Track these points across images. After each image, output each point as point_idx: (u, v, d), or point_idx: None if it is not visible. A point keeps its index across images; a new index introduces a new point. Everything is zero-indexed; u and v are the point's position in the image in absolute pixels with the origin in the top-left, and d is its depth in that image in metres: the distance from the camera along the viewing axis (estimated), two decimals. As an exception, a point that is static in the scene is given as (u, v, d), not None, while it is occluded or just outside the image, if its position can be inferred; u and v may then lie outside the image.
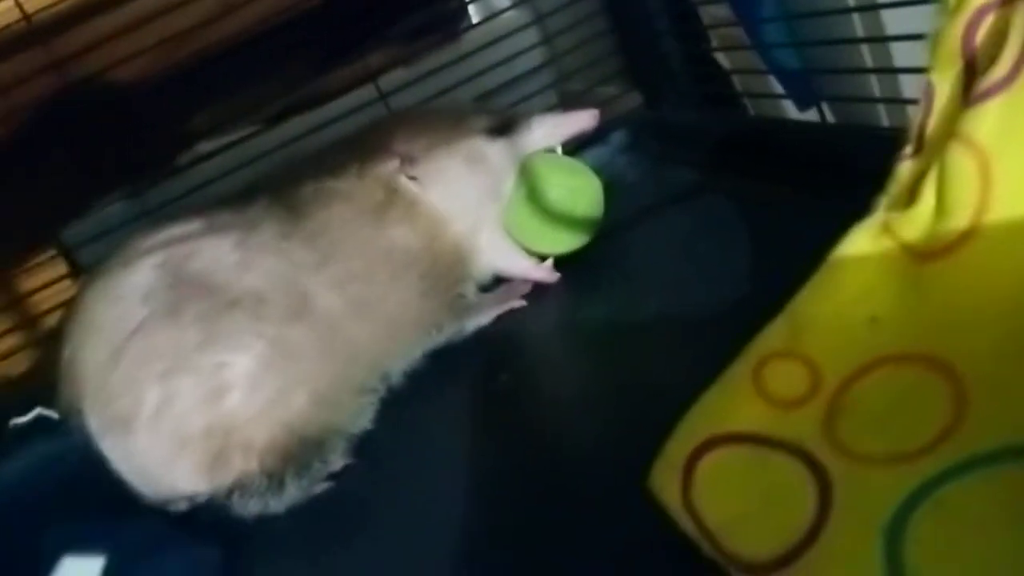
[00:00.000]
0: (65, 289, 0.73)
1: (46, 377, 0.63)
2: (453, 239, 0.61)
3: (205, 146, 0.83)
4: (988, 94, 0.24)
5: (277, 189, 0.58)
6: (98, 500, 0.57)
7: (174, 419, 0.48)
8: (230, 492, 0.48)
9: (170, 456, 0.48)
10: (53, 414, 0.68)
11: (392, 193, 0.59)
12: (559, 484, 0.43)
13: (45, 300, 0.74)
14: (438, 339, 0.60)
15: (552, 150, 0.65)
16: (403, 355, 0.57)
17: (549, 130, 0.65)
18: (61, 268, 0.76)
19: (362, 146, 0.61)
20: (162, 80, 0.83)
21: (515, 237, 0.64)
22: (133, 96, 0.83)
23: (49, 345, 0.72)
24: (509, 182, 0.64)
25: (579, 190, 0.63)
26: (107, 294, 0.51)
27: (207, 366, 0.48)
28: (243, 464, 0.48)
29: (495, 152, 0.63)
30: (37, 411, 0.68)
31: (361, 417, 0.53)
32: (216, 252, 0.52)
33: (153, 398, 0.47)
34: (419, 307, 0.58)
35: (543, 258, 0.65)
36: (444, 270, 0.60)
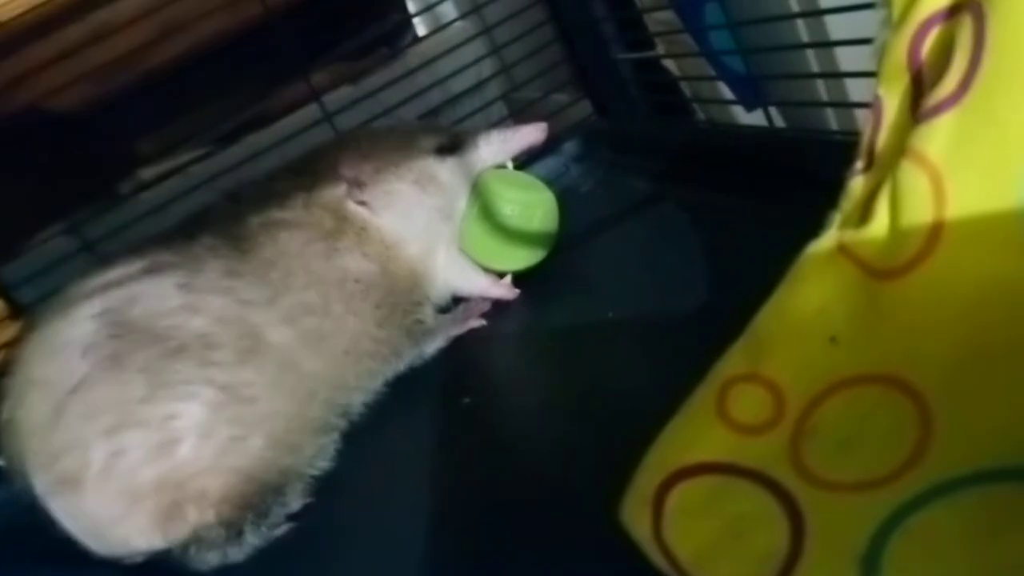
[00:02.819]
0: (4, 330, 0.71)
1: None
2: (408, 263, 0.60)
3: (147, 173, 0.81)
4: (938, 110, 0.24)
5: (221, 222, 0.56)
6: (48, 549, 0.55)
7: (123, 475, 0.46)
8: (187, 546, 0.46)
9: (121, 513, 0.46)
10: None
11: (342, 220, 0.58)
12: (525, 506, 0.43)
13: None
14: (398, 367, 0.59)
15: (503, 165, 0.65)
16: (362, 386, 0.56)
17: (498, 146, 0.64)
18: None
19: (308, 172, 0.60)
20: (101, 106, 0.81)
21: (471, 256, 0.63)
22: (71, 124, 0.80)
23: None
24: (462, 201, 0.63)
25: (533, 205, 0.62)
26: (46, 348, 0.49)
27: (155, 418, 0.47)
28: (198, 516, 0.46)
29: (445, 171, 0.62)
30: (-17, 458, 0.65)
31: (321, 457, 0.52)
32: (159, 296, 0.50)
33: (100, 455, 0.46)
34: (376, 336, 0.56)
35: (501, 275, 0.64)
36: (400, 296, 0.58)
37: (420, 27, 1.00)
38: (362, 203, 0.59)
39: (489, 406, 0.53)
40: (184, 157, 0.79)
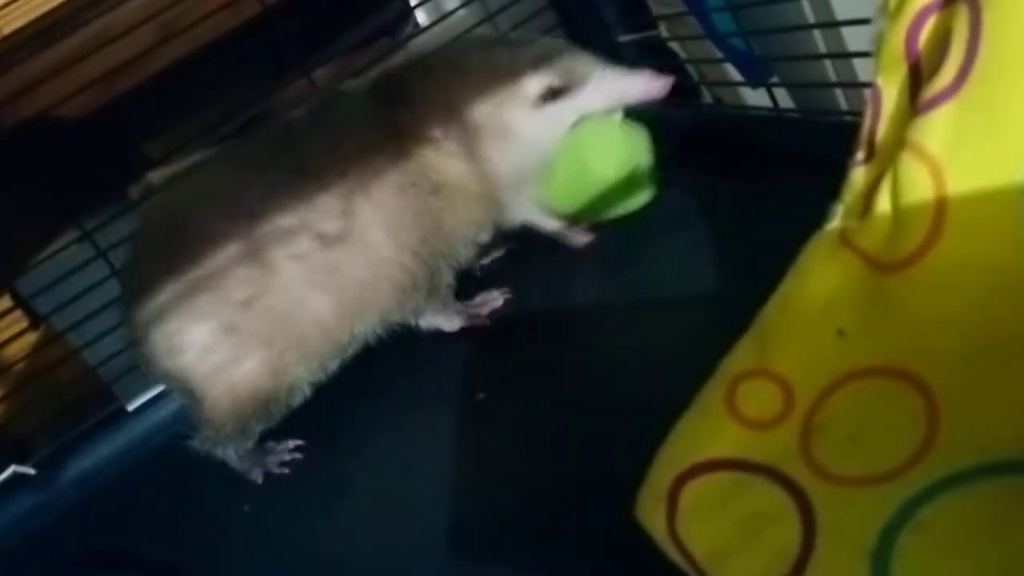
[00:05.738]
0: (25, 339, 0.72)
1: (16, 433, 0.62)
2: (462, 203, 0.60)
3: (155, 177, 0.82)
4: (935, 102, 0.23)
5: (304, 124, 0.60)
6: (76, 556, 0.56)
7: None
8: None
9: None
10: (28, 470, 0.66)
11: (409, 144, 0.58)
12: (538, 504, 0.43)
13: (8, 355, 0.72)
14: (406, 306, 0.60)
15: (611, 113, 0.61)
16: (377, 309, 0.59)
17: (610, 89, 0.59)
18: (19, 320, 0.74)
19: (389, 94, 0.60)
20: (106, 113, 0.81)
21: (553, 197, 0.63)
22: (77, 133, 0.81)
23: (16, 400, 0.70)
24: (548, 147, 0.60)
25: (633, 172, 0.62)
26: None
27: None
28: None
29: (534, 123, 0.59)
30: (12, 469, 0.66)
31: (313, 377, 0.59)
32: (208, 206, 0.56)
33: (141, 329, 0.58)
34: (402, 261, 0.58)
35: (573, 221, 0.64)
36: (438, 233, 0.59)
37: (421, 16, 1.00)
38: (433, 136, 0.58)
39: (503, 402, 0.54)
40: (191, 159, 0.79)
